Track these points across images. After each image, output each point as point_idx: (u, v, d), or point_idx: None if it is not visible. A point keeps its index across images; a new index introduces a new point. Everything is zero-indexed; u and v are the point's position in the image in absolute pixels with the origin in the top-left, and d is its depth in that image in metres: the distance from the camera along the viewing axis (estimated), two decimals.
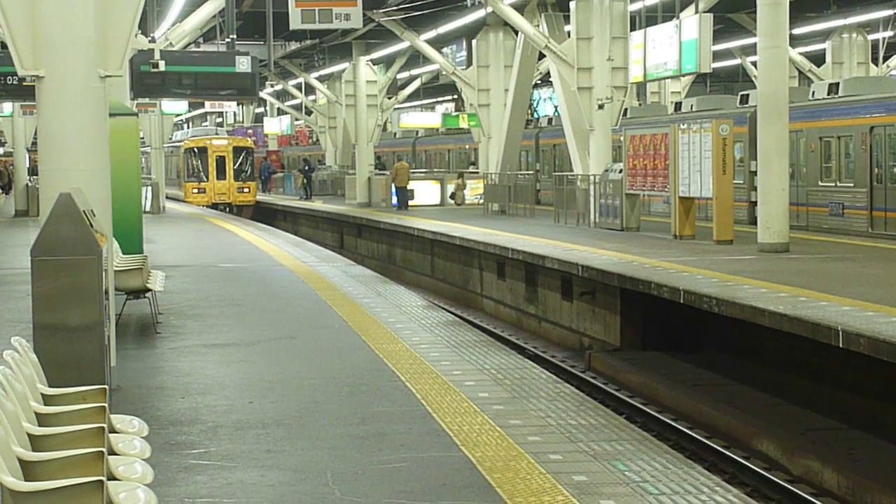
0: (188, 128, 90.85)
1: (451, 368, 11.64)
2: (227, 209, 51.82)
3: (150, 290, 14.61)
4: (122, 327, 13.89)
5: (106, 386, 7.03)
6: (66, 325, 9.35)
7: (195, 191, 53.65)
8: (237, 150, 54.40)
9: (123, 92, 21.51)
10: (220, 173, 53.72)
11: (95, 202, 10.48)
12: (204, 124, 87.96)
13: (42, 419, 6.21)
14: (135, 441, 6.34)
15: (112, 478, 5.54)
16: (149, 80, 20.26)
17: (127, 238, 16.19)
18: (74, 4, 10.67)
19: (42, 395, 6.65)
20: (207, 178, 53.75)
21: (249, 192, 54.11)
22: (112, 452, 5.98)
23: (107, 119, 11.19)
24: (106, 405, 6.45)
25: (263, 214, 51.71)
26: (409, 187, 40.85)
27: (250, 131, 74.62)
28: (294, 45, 48.22)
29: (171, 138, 67.28)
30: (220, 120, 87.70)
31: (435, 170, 50.51)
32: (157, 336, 14.12)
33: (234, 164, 53.77)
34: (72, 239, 9.34)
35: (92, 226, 9.54)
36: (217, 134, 63.89)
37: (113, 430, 6.42)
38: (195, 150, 54.32)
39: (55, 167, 10.82)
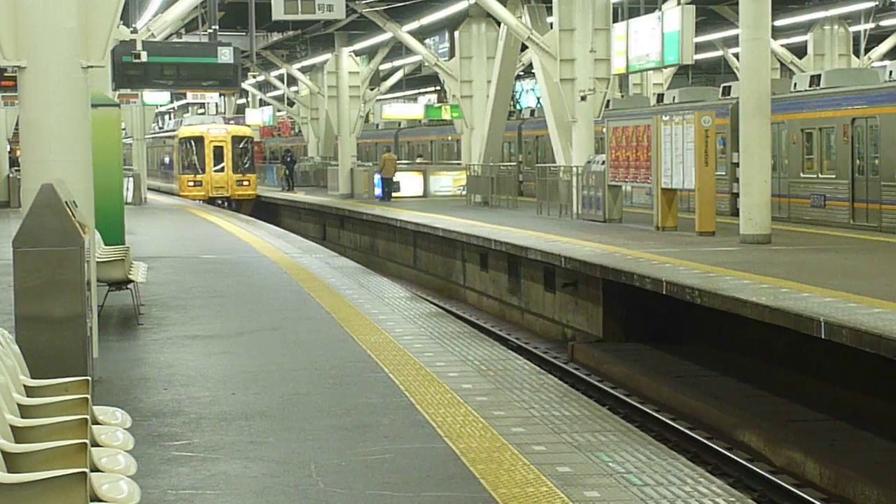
0: (170, 119, 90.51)
1: (434, 360, 11.63)
2: (226, 204, 48.03)
3: (132, 281, 14.57)
4: (104, 319, 13.85)
5: (88, 377, 7.01)
6: (49, 317, 9.31)
7: (191, 184, 49.69)
8: (236, 140, 50.22)
9: (105, 82, 21.47)
10: (218, 165, 49.69)
11: (77, 193, 10.43)
12: (186, 115, 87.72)
13: (25, 411, 6.19)
14: (118, 433, 6.31)
15: (95, 469, 5.53)
16: (130, 71, 20.18)
17: (109, 229, 16.14)
18: None
19: (24, 386, 6.63)
20: (204, 170, 49.65)
21: (249, 185, 49.94)
22: (95, 444, 5.96)
23: (89, 110, 11.15)
24: (88, 397, 6.43)
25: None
26: (394, 179, 40.94)
27: (231, 122, 74.40)
28: (276, 36, 48.13)
29: (160, 128, 66.57)
30: (201, 111, 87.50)
31: (424, 162, 50.51)
32: (140, 327, 14.09)
33: (232, 155, 49.74)
34: (54, 230, 9.29)
35: (74, 217, 9.50)
36: (214, 122, 57.56)
37: (96, 422, 6.40)
38: (191, 139, 50.22)
39: (37, 158, 10.78)
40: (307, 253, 23.56)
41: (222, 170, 49.61)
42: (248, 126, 61.82)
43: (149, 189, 52.34)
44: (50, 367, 8.47)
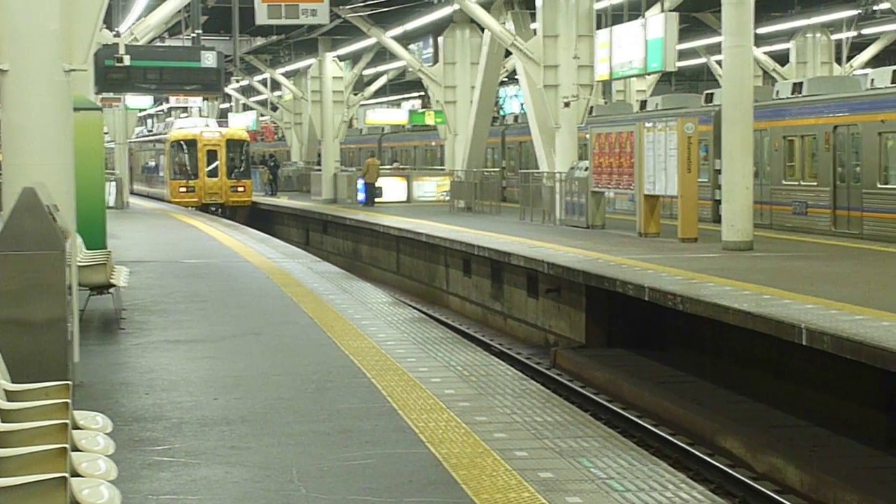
0: (154, 121, 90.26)
1: (416, 365, 11.63)
2: (219, 211, 45.70)
3: (113, 285, 14.54)
4: (85, 323, 13.81)
5: (69, 382, 6.98)
6: (29, 321, 9.29)
7: (182, 189, 47.03)
8: (231, 144, 47.72)
9: (87, 86, 21.39)
10: (212, 170, 47.09)
11: (59, 197, 10.41)
12: (169, 118, 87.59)
13: (4, 415, 6.16)
14: (98, 437, 6.29)
15: (75, 474, 5.50)
16: (113, 75, 20.15)
17: (90, 233, 16.10)
18: None
19: (4, 391, 6.60)
20: (197, 175, 47.08)
21: (245, 191, 47.40)
22: (75, 449, 5.93)
23: (71, 113, 11.12)
24: (69, 401, 6.40)
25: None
26: (377, 184, 40.97)
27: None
28: (260, 41, 48.04)
29: (149, 131, 65.59)
30: (184, 115, 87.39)
31: (401, 166, 50.47)
32: (121, 332, 14.05)
33: (227, 159, 47.26)
34: (35, 234, 9.27)
35: (55, 221, 9.48)
36: (208, 124, 54.11)
37: (76, 427, 6.38)
38: (182, 143, 47.61)
39: (19, 161, 10.75)
40: (290, 258, 23.53)
41: (216, 174, 47.18)
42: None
43: (138, 196, 51.96)
44: (30, 371, 8.44)
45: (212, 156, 47.18)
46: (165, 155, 49.29)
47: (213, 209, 45.76)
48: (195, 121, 57.66)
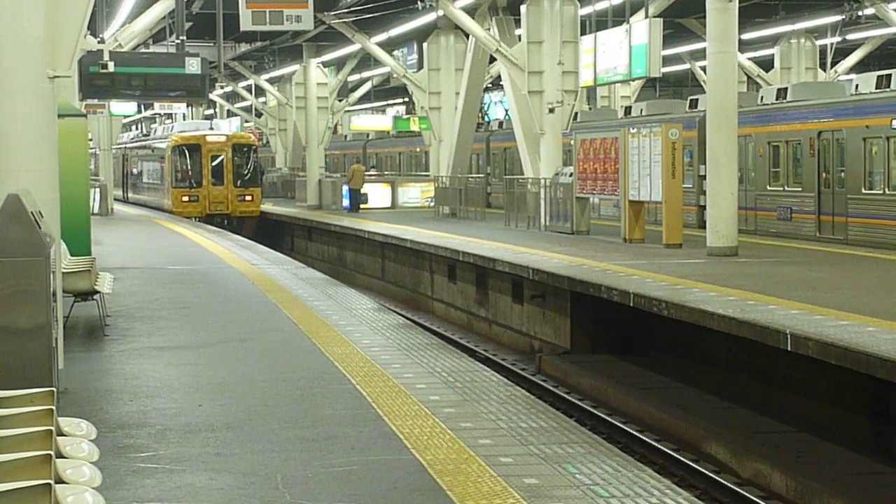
0: (137, 129, 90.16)
1: (401, 371, 11.62)
2: (225, 222, 42.48)
3: (98, 292, 14.50)
4: (69, 329, 13.78)
5: (53, 388, 6.96)
6: (14, 328, 9.25)
7: (185, 199, 43.42)
8: (237, 148, 43.97)
9: (72, 93, 21.38)
10: (217, 177, 43.62)
11: (44, 203, 10.39)
12: (153, 125, 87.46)
13: None
14: (83, 444, 6.27)
15: (60, 481, 5.49)
16: (97, 81, 20.09)
17: (75, 240, 16.08)
18: (23, 4, 10.58)
19: None
20: (201, 183, 43.49)
21: (253, 200, 43.80)
22: (60, 455, 5.91)
23: (55, 120, 11.10)
24: (53, 408, 6.38)
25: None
26: (362, 190, 40.99)
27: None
28: (244, 47, 48.04)
29: (144, 135, 64.98)
30: (169, 122, 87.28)
31: (386, 173, 50.45)
32: (106, 338, 14.02)
33: (233, 166, 43.59)
34: (19, 240, 9.24)
35: (40, 227, 9.45)
36: (211, 127, 50.11)
37: (60, 434, 6.36)
38: (185, 148, 43.82)
39: (3, 168, 10.73)
40: (274, 264, 23.51)
41: (221, 182, 43.71)
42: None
43: (135, 206, 51.53)
44: (15, 377, 8.42)
45: (217, 161, 43.89)
46: (166, 161, 45.65)
47: (219, 220, 42.57)
48: (197, 123, 54.00)
